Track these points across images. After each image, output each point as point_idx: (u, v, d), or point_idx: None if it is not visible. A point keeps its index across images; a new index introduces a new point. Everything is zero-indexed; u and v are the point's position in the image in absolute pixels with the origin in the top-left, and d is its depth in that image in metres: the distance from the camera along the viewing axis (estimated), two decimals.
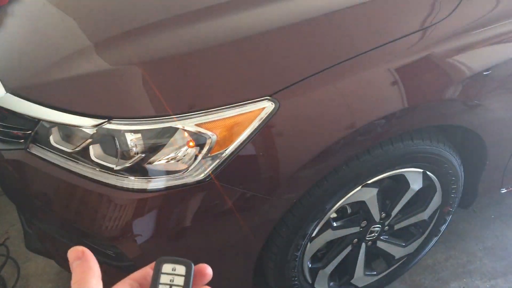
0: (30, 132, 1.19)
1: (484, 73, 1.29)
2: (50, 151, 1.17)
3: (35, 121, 1.18)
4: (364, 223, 1.48)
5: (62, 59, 1.26)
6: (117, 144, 1.10)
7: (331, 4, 1.27)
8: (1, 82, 1.28)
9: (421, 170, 1.42)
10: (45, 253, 1.53)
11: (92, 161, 1.12)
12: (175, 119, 1.07)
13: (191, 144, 1.09)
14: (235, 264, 1.34)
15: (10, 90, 1.24)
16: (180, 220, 1.15)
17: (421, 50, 1.22)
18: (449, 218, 1.68)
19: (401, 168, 1.37)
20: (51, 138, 1.17)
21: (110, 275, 1.37)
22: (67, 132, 1.16)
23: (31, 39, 1.42)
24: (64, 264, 1.48)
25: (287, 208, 1.24)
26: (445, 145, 1.41)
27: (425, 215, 1.58)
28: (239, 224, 1.21)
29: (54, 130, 1.17)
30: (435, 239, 1.74)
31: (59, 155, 1.16)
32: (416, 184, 1.45)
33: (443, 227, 1.70)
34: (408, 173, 1.41)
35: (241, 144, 1.10)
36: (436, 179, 1.48)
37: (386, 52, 1.19)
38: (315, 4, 1.28)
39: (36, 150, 1.19)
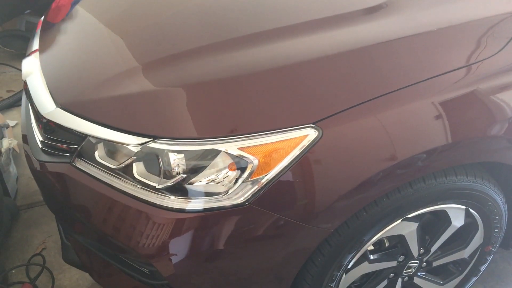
0: (76, 146, 1.23)
1: None
2: (94, 166, 1.20)
3: (82, 136, 1.21)
4: (401, 258, 1.44)
5: (110, 78, 1.29)
6: (160, 163, 1.11)
7: (379, 35, 1.26)
8: (52, 97, 1.33)
9: (464, 207, 1.38)
10: (80, 265, 1.55)
11: (135, 178, 1.15)
12: (218, 141, 1.09)
13: (233, 167, 1.09)
14: None
15: (59, 105, 1.29)
16: (216, 242, 1.14)
17: (466, 86, 1.20)
18: (490, 258, 1.62)
19: (443, 204, 1.34)
20: (96, 154, 1.19)
21: None
22: (112, 148, 1.19)
23: (82, 57, 1.47)
24: (98, 278, 1.50)
25: (323, 237, 1.22)
26: (490, 183, 1.37)
27: (465, 253, 1.53)
28: (274, 250, 1.20)
29: (100, 146, 1.20)
30: (474, 279, 1.68)
31: (103, 170, 1.19)
32: (457, 221, 1.41)
33: (483, 266, 1.64)
34: (450, 209, 1.37)
35: (282, 170, 1.09)
36: (479, 217, 1.43)
37: (431, 86, 1.18)
38: (362, 34, 1.28)
39: (80, 164, 1.22)
